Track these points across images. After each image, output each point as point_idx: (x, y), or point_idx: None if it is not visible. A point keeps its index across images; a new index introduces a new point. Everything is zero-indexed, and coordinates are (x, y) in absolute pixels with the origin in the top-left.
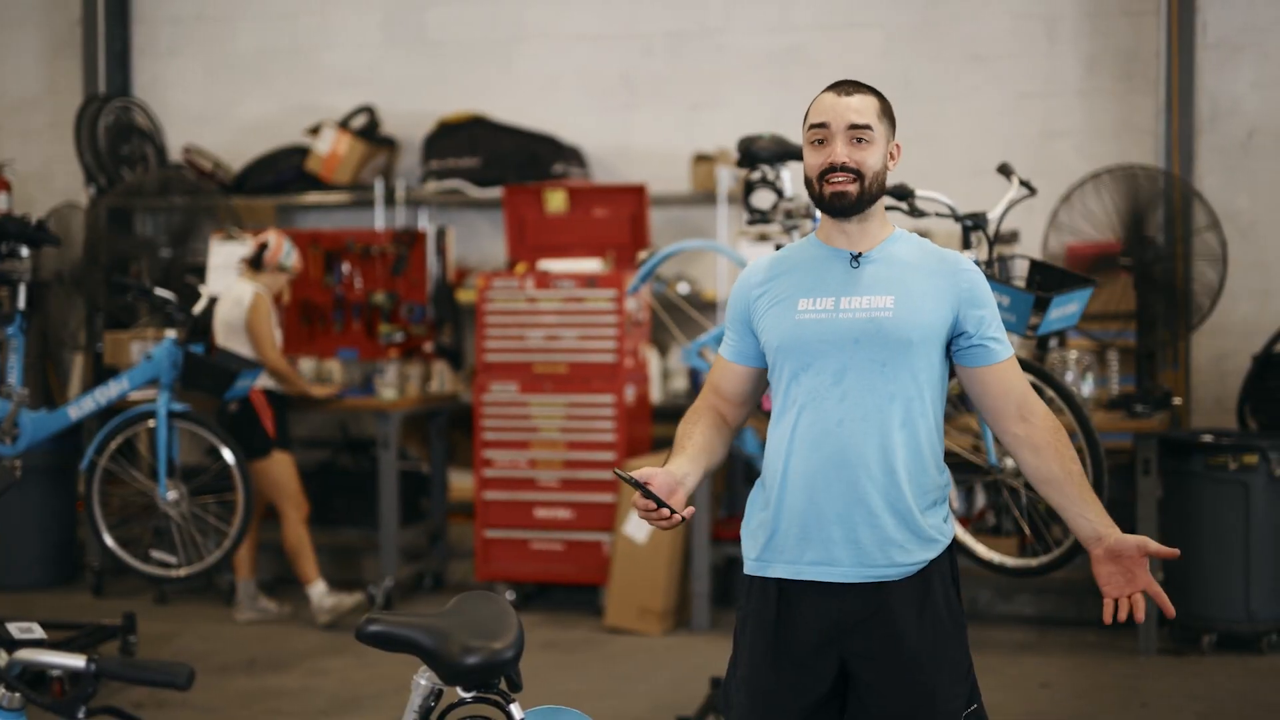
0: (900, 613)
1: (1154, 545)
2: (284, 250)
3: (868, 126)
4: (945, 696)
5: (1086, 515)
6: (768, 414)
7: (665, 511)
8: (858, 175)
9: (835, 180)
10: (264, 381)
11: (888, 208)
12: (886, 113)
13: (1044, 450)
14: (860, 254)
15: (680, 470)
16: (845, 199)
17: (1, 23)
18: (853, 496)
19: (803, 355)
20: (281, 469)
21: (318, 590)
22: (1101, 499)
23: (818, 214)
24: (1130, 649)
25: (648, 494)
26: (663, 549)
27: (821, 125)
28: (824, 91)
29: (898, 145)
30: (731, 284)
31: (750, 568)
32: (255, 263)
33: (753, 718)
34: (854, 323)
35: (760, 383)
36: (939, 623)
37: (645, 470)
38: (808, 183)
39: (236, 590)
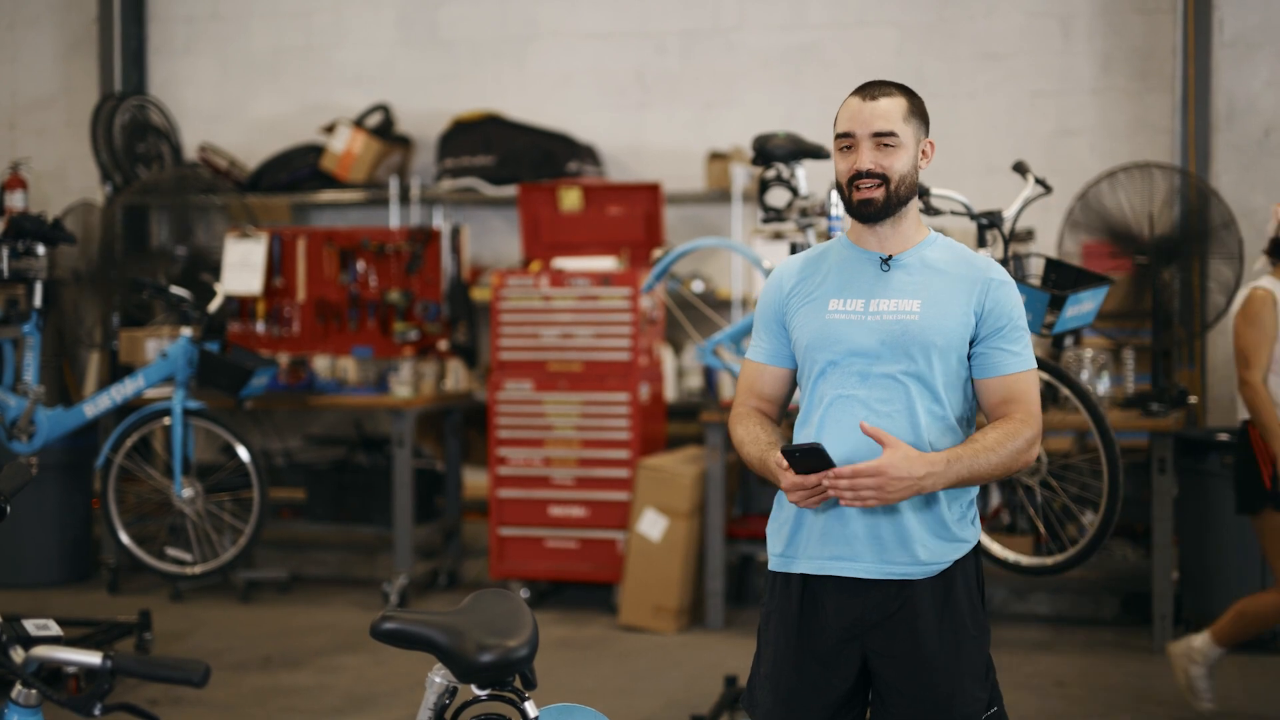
0: (922, 613)
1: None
2: None
3: (892, 133)
4: (965, 699)
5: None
6: (794, 415)
7: (825, 484)
8: (883, 180)
9: (862, 186)
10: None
11: None
12: (915, 112)
13: (990, 423)
14: (890, 257)
15: None
16: (871, 206)
17: (18, 22)
18: None
19: (831, 354)
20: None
21: (1200, 650)
22: (1116, 498)
23: (833, 211)
24: (1146, 647)
25: (822, 461)
26: (677, 547)
27: (847, 135)
28: (851, 95)
29: (930, 143)
30: (746, 282)
31: (774, 564)
32: (1275, 253)
33: (776, 714)
34: (881, 324)
35: (792, 384)
36: (960, 625)
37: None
38: (838, 188)
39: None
